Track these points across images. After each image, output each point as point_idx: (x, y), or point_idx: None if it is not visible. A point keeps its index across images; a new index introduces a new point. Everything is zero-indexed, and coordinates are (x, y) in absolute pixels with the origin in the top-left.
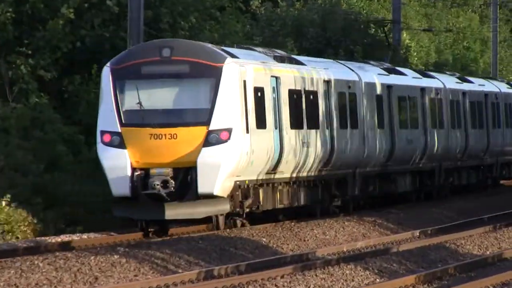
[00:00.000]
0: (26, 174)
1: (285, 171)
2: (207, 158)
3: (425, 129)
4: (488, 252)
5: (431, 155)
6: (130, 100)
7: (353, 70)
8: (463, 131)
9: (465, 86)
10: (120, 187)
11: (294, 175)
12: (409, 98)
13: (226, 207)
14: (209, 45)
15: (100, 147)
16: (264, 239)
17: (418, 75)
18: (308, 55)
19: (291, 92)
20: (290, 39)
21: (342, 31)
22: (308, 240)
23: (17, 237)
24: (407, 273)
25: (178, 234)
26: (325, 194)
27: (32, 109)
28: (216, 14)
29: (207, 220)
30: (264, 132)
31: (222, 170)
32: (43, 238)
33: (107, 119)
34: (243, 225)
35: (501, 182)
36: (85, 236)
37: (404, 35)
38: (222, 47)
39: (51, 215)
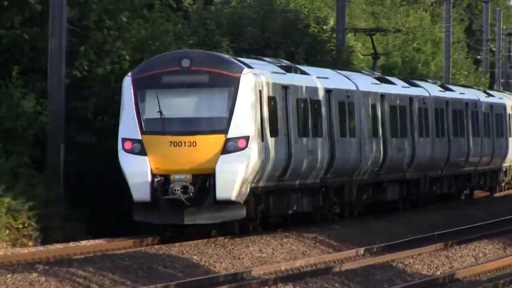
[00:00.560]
0: None
1: (292, 178)
2: (225, 165)
3: (413, 138)
4: (438, 272)
5: (418, 164)
6: (151, 109)
7: (349, 79)
8: (445, 140)
9: (448, 94)
10: (140, 192)
11: (300, 182)
12: (399, 107)
13: (242, 213)
14: (227, 56)
15: (121, 154)
16: (195, 257)
17: (406, 84)
18: (246, 56)
19: (299, 101)
20: (226, 39)
21: (282, 31)
22: (243, 258)
23: None
24: None
25: (102, 251)
26: (326, 200)
27: None
28: (143, 12)
29: (132, 234)
30: (277, 140)
31: (239, 177)
32: None
33: (128, 127)
34: (255, 229)
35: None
36: (1, 252)
37: (349, 35)
38: (238, 58)
39: None
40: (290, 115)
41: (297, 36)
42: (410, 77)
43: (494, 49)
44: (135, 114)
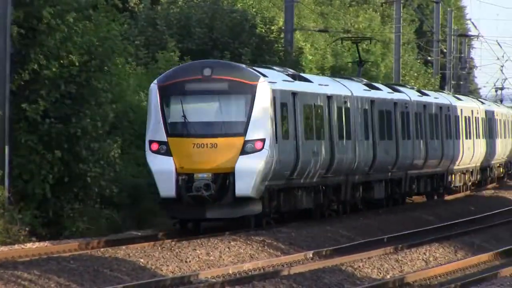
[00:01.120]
0: None
1: (299, 177)
2: (244, 165)
3: (397, 140)
4: (388, 276)
5: (401, 164)
6: (175, 113)
7: (345, 86)
8: (424, 141)
9: (425, 99)
10: (166, 189)
11: (305, 180)
12: (386, 112)
13: (259, 208)
14: (244, 66)
15: (148, 154)
16: (141, 260)
17: (390, 90)
18: (192, 57)
19: (305, 107)
20: (173, 40)
21: (229, 31)
22: (190, 261)
23: None
24: None
25: (48, 253)
26: (325, 198)
27: None
28: (89, 12)
29: (77, 236)
30: (287, 142)
31: (256, 175)
32: None
33: (155, 130)
34: (268, 223)
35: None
36: None
37: (298, 36)
38: (254, 67)
39: None
40: (298, 120)
41: (245, 36)
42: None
43: (445, 50)
44: (161, 118)
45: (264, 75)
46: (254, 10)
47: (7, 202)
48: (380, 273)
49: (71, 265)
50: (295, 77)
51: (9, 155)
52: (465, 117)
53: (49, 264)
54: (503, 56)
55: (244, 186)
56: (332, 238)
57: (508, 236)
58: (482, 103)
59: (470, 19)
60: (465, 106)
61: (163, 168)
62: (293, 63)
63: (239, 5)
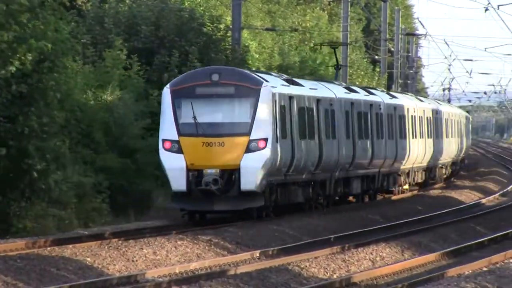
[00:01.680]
0: None
1: (294, 173)
2: (249, 162)
3: (372, 139)
4: (335, 276)
5: (376, 162)
6: (186, 115)
7: (329, 89)
8: (395, 141)
9: (395, 101)
10: (178, 184)
11: (299, 176)
12: (364, 113)
13: (261, 201)
14: (248, 72)
15: (161, 152)
16: (88, 259)
17: (366, 92)
18: (139, 56)
19: (299, 109)
20: (120, 38)
21: (176, 30)
22: (137, 260)
23: None
24: None
25: None
26: (314, 193)
27: None
28: (36, 10)
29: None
30: (286, 141)
31: (260, 171)
32: None
33: (168, 130)
34: (267, 215)
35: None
36: None
37: (245, 34)
38: (256, 72)
39: None
40: (294, 121)
41: (192, 35)
42: (310, 78)
43: (392, 49)
44: (173, 119)
45: (266, 80)
46: (201, 8)
47: None
48: (327, 273)
49: (18, 264)
50: (289, 82)
51: None
52: (419, 117)
53: None
54: (450, 55)
55: (249, 181)
56: (279, 237)
57: (455, 236)
58: (429, 102)
59: (417, 18)
60: (419, 106)
61: (175, 165)
62: (239, 62)
63: (186, 4)
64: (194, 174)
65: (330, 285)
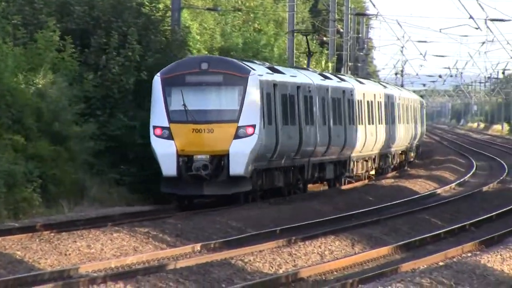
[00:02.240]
0: None
1: (277, 159)
2: (237, 148)
3: (345, 126)
4: (281, 271)
5: (348, 147)
6: (177, 102)
7: (307, 76)
8: (365, 126)
9: (364, 88)
10: (169, 169)
11: (281, 162)
12: (337, 99)
13: (249, 186)
14: (236, 60)
15: (153, 138)
16: (18, 253)
17: (338, 79)
18: (74, 37)
19: (283, 96)
20: (53, 18)
21: (112, 10)
22: (70, 254)
23: None
24: None
25: None
26: (294, 178)
27: None
28: None
29: None
30: (271, 127)
31: (248, 157)
32: None
33: (159, 117)
34: (253, 200)
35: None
36: None
37: (185, 14)
38: (242, 61)
39: None
40: (277, 107)
41: (129, 15)
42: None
43: (341, 30)
44: (164, 106)
45: (253, 69)
46: None
47: None
48: (272, 268)
49: None
50: (272, 70)
51: None
52: (369, 101)
53: None
54: (403, 36)
55: (237, 166)
56: (221, 229)
57: (409, 229)
58: (385, 87)
59: None
60: (369, 91)
61: (165, 151)
62: (180, 44)
63: None
64: (185, 159)
65: (276, 280)
